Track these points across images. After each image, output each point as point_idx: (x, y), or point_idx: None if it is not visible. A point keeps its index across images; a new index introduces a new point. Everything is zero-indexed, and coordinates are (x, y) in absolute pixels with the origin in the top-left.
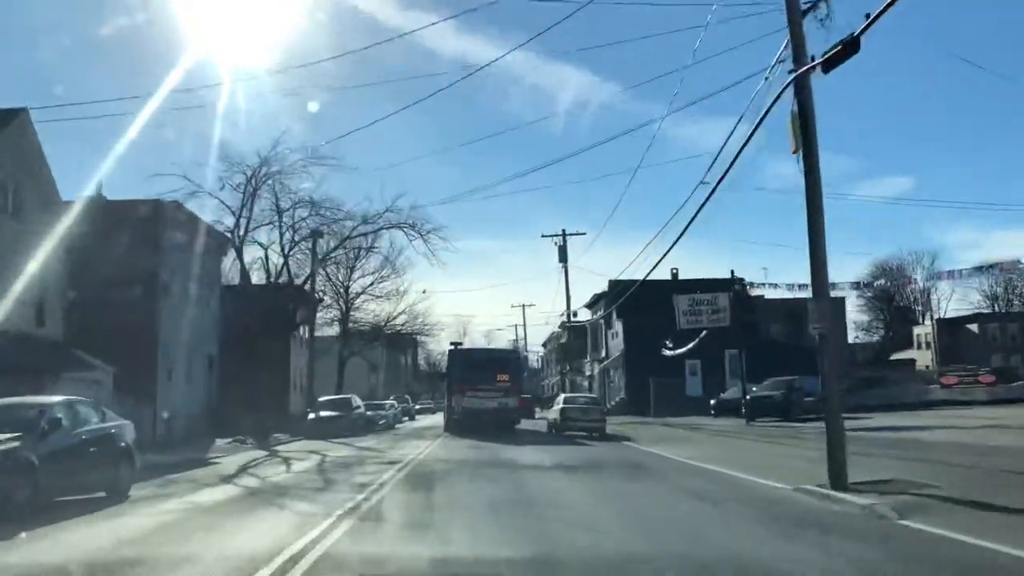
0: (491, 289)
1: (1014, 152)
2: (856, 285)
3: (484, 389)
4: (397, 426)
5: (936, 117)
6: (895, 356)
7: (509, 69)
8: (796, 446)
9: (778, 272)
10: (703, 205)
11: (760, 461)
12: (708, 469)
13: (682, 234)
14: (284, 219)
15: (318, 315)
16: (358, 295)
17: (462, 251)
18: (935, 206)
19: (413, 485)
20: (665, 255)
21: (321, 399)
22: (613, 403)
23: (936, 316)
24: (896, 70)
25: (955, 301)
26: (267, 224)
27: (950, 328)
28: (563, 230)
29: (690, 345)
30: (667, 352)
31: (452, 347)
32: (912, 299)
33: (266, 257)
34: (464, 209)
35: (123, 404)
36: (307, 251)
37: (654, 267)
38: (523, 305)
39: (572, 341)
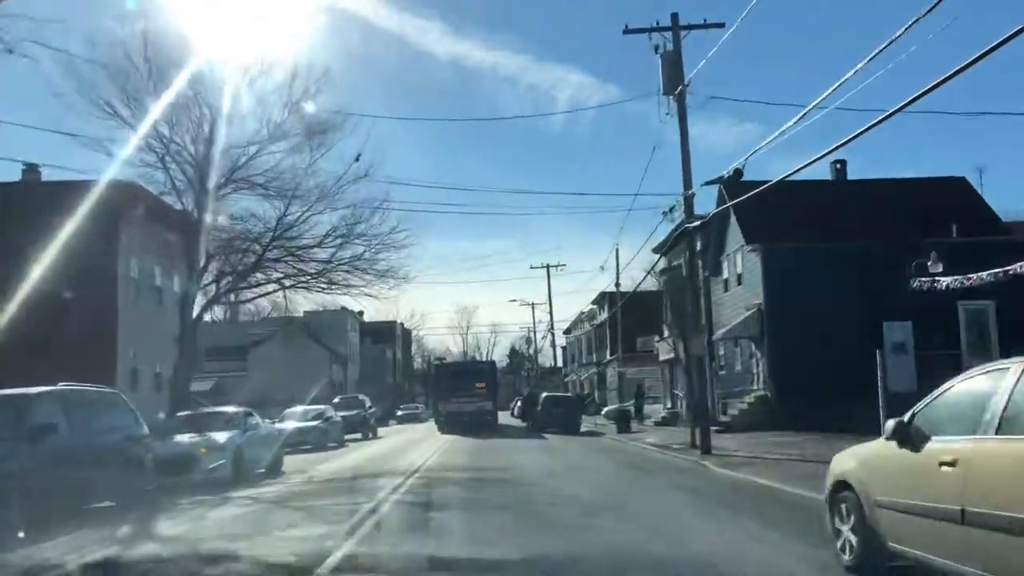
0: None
1: None
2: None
3: (465, 396)
4: (306, 471)
5: None
6: None
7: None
8: None
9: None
10: None
11: None
12: None
13: None
14: None
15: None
16: (227, 180)
17: (458, 253)
18: None
19: None
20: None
21: None
22: (744, 404)
23: None
24: None
25: None
26: None
27: None
28: (674, 15)
29: None
30: (936, 283)
31: (437, 362)
32: None
33: None
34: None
35: None
36: None
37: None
38: (547, 266)
39: (637, 303)
